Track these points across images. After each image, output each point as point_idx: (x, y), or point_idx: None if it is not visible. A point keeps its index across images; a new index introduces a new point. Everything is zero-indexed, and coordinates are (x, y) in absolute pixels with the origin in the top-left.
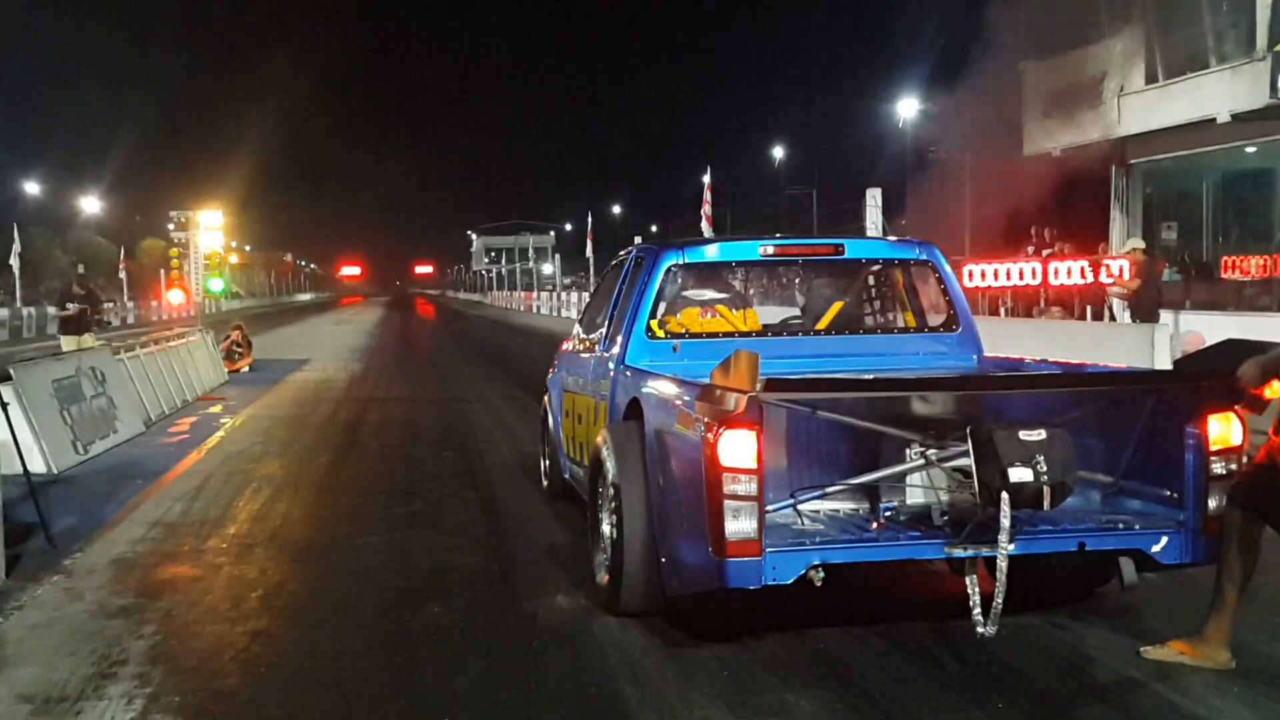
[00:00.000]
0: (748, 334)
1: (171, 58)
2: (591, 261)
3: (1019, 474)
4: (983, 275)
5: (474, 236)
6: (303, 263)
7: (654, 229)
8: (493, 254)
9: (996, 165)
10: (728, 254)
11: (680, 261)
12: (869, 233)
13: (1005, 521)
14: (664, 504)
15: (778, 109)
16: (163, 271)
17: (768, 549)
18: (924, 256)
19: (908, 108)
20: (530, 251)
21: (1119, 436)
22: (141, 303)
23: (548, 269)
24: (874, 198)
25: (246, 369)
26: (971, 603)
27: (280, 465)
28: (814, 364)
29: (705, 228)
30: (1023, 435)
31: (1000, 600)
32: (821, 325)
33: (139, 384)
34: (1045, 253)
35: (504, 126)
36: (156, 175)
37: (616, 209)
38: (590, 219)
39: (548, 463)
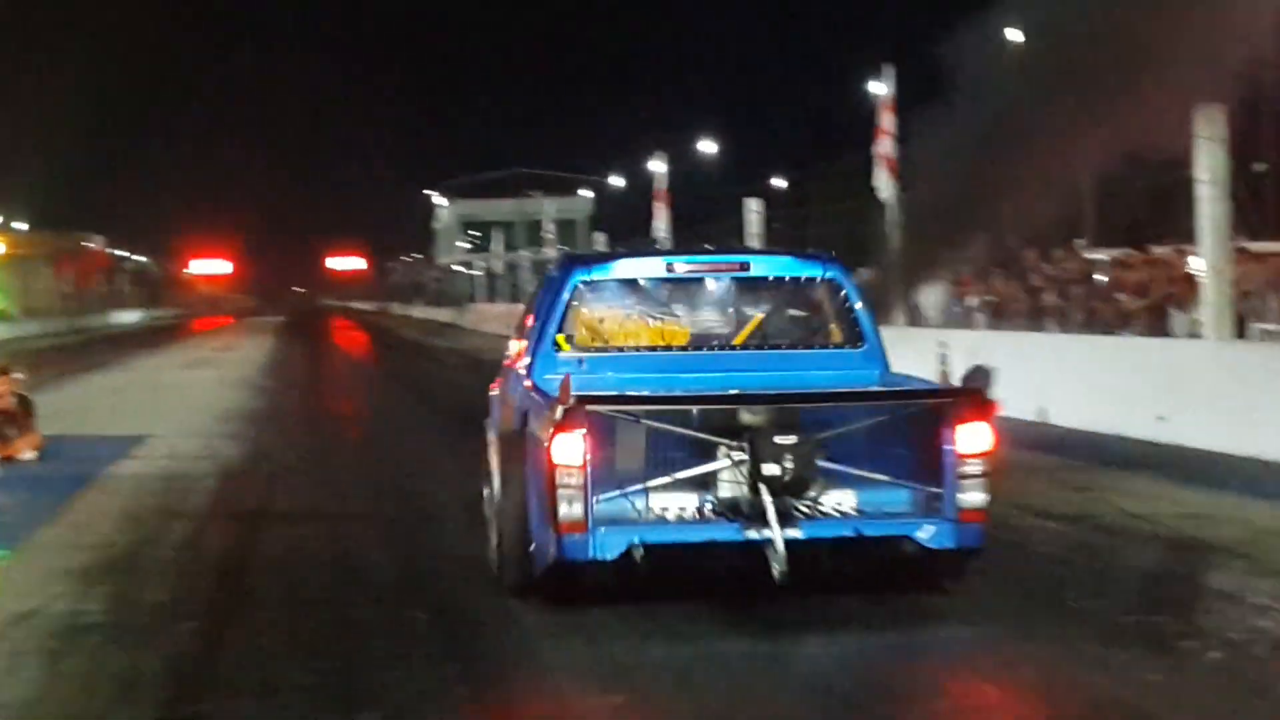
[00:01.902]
0: (668, 348)
1: None
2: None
3: (769, 469)
4: None
5: (437, 200)
6: (125, 254)
7: (776, 181)
8: (474, 231)
9: None
10: (634, 270)
11: (587, 278)
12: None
13: (769, 506)
14: (533, 497)
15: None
16: None
17: (596, 529)
18: (829, 275)
19: None
20: (548, 226)
21: (897, 441)
22: None
23: None
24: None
25: (29, 456)
26: (773, 566)
27: (101, 653)
28: (726, 379)
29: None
30: (776, 439)
31: (784, 567)
32: (738, 341)
33: None
34: None
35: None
36: None
37: (708, 148)
38: (665, 166)
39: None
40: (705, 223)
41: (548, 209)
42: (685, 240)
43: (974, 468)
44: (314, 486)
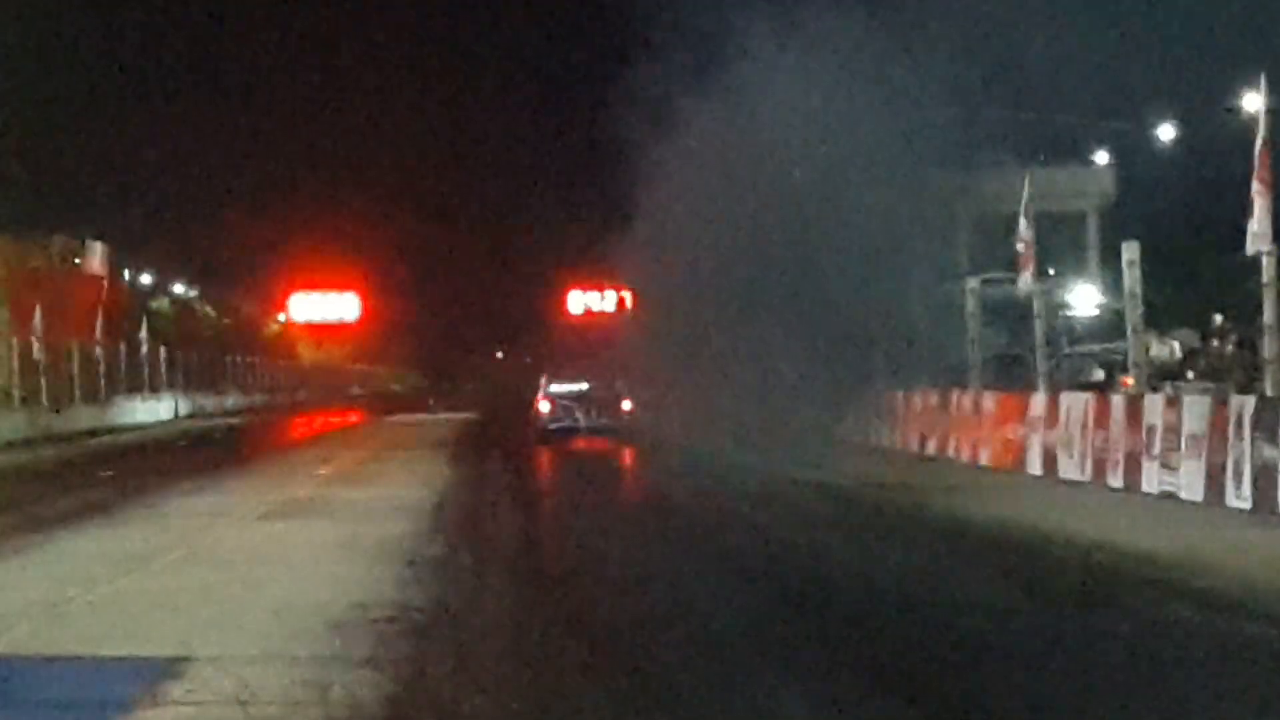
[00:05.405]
0: (571, 388)
1: None
2: None
3: (579, 404)
4: None
5: None
6: (148, 279)
7: None
8: None
9: None
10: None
11: (552, 376)
12: None
13: (580, 416)
14: (538, 417)
15: None
16: None
17: (550, 424)
18: (617, 381)
19: None
20: (1025, 228)
21: (614, 403)
22: None
23: None
24: None
25: None
26: (580, 430)
27: None
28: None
29: None
30: (580, 400)
31: (585, 432)
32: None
33: None
34: None
35: None
36: None
37: None
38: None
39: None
40: None
41: (1033, 188)
42: None
43: (627, 411)
44: None
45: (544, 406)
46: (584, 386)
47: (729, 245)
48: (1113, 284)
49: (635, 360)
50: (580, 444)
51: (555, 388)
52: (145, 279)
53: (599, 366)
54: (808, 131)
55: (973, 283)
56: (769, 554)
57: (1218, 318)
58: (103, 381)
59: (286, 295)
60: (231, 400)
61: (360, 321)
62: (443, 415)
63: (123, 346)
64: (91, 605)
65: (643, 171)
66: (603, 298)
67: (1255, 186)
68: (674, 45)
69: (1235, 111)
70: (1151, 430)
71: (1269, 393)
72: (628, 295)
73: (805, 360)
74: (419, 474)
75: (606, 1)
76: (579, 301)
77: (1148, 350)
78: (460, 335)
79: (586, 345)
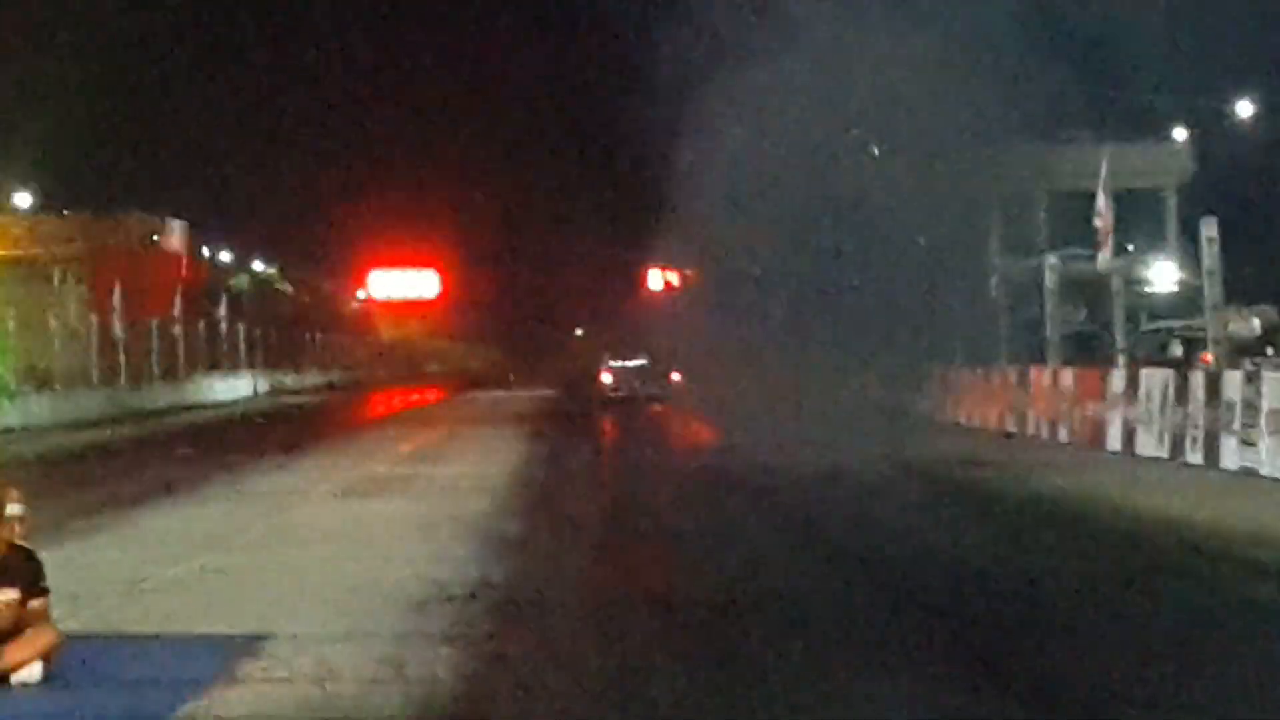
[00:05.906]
0: (628, 364)
1: None
2: None
3: (635, 377)
4: None
5: None
6: (226, 256)
7: None
8: None
9: None
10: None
11: (610, 353)
12: None
13: (637, 386)
14: (599, 385)
15: None
16: None
17: (611, 394)
18: (648, 359)
19: None
20: (1104, 202)
21: (661, 378)
22: None
23: None
24: None
25: (28, 676)
26: (634, 396)
27: None
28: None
29: None
30: (631, 372)
31: (640, 390)
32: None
33: None
34: None
35: None
36: None
37: None
38: None
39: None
40: None
41: (1111, 165)
42: None
43: (672, 381)
44: None
45: (606, 378)
46: (640, 362)
47: (802, 222)
48: (1191, 260)
49: (699, 336)
50: (653, 417)
51: (614, 363)
52: (224, 256)
53: (653, 344)
54: (883, 108)
55: (1051, 259)
56: (853, 532)
57: None
58: (181, 359)
59: (366, 272)
60: (310, 377)
61: (439, 298)
62: (522, 392)
63: (201, 324)
64: (170, 583)
65: (712, 151)
66: (681, 276)
67: None
68: (748, 27)
69: None
70: (1231, 406)
71: None
72: (701, 273)
73: (879, 336)
74: (498, 451)
75: None
76: (658, 279)
77: (1227, 326)
78: (540, 312)
79: (664, 320)
